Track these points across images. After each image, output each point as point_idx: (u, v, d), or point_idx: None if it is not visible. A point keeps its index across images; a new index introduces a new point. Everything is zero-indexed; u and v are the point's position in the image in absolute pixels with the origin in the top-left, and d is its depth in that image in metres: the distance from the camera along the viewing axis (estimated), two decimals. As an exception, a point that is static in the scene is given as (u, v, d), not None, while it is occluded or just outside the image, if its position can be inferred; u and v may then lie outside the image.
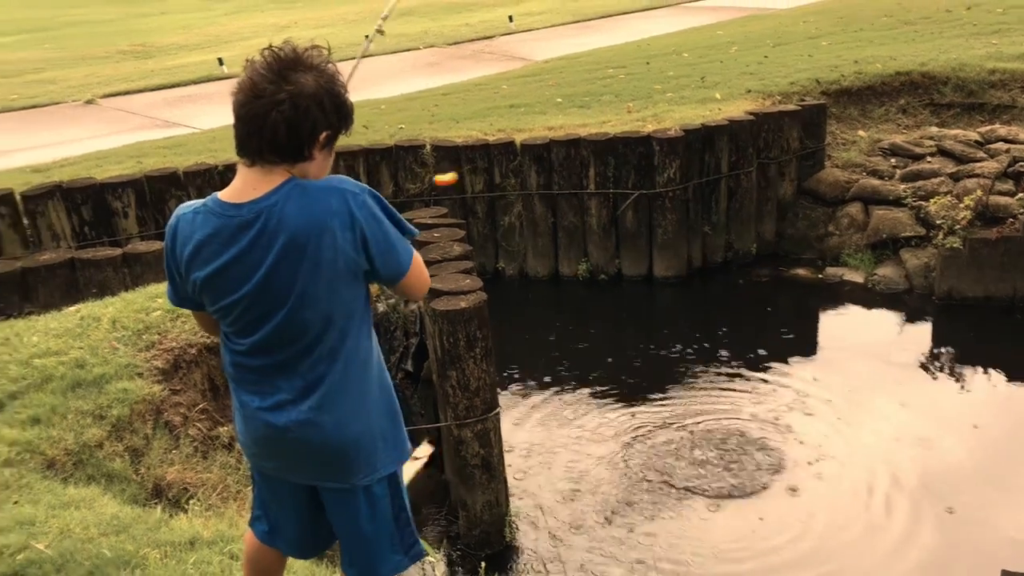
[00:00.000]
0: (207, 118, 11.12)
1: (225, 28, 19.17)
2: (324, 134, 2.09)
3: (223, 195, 2.13)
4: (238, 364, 2.23)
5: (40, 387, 4.32)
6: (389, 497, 2.36)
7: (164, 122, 11.36)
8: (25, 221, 7.35)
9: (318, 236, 2.05)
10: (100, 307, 5.20)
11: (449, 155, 8.29)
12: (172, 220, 2.19)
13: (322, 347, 2.16)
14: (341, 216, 2.07)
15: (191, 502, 4.02)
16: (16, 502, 3.49)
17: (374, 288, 6.06)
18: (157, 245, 6.19)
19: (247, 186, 2.08)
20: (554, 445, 5.93)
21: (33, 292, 5.79)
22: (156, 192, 7.71)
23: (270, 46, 2.07)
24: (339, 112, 2.11)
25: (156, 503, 3.90)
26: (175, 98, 12.82)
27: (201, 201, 2.17)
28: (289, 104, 2.01)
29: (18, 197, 7.37)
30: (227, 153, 8.52)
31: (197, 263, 2.13)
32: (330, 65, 2.09)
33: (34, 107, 12.77)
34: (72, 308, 5.14)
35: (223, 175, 7.82)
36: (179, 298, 2.28)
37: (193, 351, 4.75)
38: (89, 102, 12.67)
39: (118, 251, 6.05)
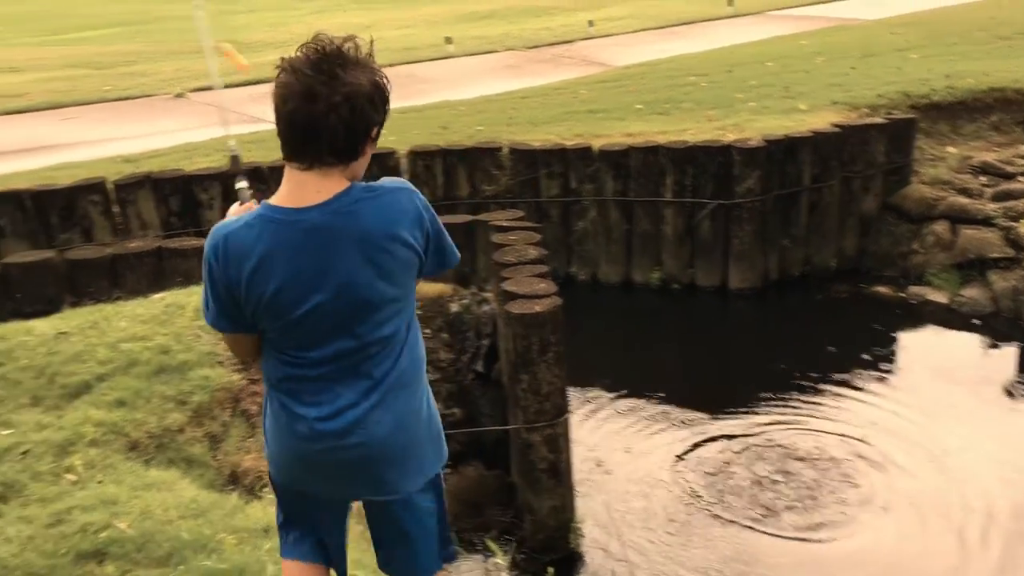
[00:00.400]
0: (290, 114, 11.33)
1: (310, 27, 19.48)
2: (375, 130, 2.06)
3: (279, 201, 2.04)
4: (295, 377, 2.12)
5: (126, 371, 4.46)
6: (436, 498, 2.37)
7: (250, 117, 11.61)
8: (115, 209, 7.60)
9: (394, 238, 2.06)
10: (185, 295, 5.35)
11: (526, 158, 8.31)
12: (214, 241, 2.04)
13: (390, 347, 2.14)
14: (412, 215, 2.10)
15: (265, 490, 4.10)
16: (100, 481, 3.61)
17: (448, 289, 6.11)
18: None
19: (307, 190, 2.01)
20: (621, 455, 5.89)
21: (121, 278, 5.99)
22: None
23: (312, 44, 1.97)
24: (385, 105, 2.07)
25: (232, 489, 3.99)
26: (260, 94, 13.09)
27: (247, 215, 2.06)
28: (347, 107, 1.95)
29: (110, 185, 7.62)
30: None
31: (261, 277, 2.01)
32: (371, 56, 2.04)
33: (126, 99, 13.20)
34: (158, 295, 5.30)
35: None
36: (227, 320, 2.10)
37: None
38: (179, 95, 13.04)
39: (203, 242, 6.20)
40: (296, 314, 2.03)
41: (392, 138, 8.93)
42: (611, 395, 6.63)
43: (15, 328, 4.85)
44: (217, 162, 8.45)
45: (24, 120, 12.28)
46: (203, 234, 7.78)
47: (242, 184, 2.42)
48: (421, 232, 2.11)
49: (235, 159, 2.33)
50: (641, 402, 6.50)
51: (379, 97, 2.02)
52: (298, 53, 1.97)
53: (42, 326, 4.87)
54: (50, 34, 21.05)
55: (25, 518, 3.35)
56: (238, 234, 2.02)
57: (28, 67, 16.03)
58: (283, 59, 1.98)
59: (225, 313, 2.09)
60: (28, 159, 9.56)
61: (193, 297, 5.29)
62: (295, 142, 1.99)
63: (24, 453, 3.73)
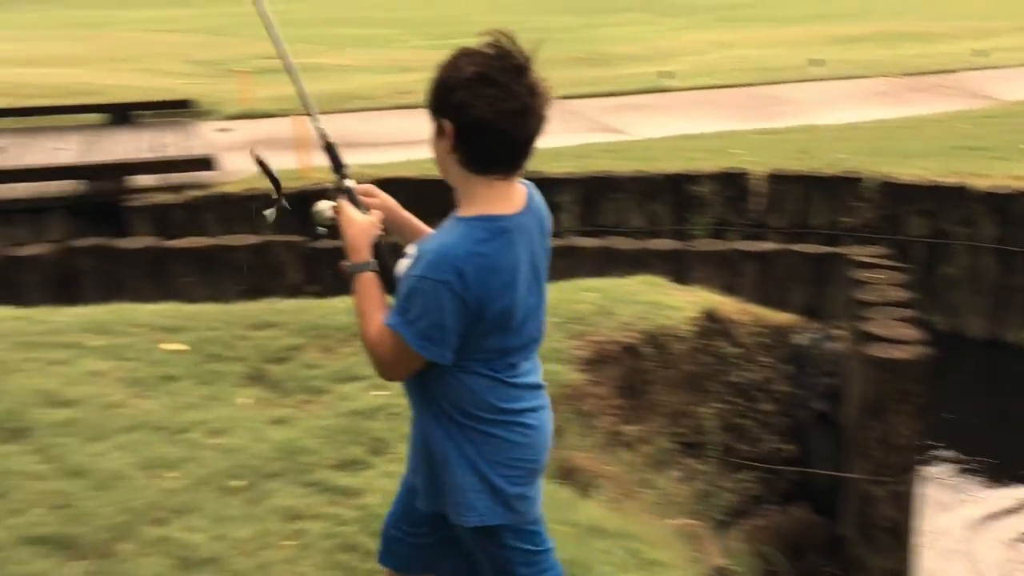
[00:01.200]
0: (644, 127, 11.56)
1: (673, 43, 19.78)
2: None
3: (498, 211, 1.97)
4: (519, 385, 2.06)
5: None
6: None
7: (604, 126, 12.01)
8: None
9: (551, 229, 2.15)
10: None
11: (892, 193, 7.78)
12: (455, 264, 1.90)
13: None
14: None
15: (594, 491, 4.20)
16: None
17: (794, 320, 5.88)
18: (592, 242, 6.57)
19: (508, 196, 2.00)
20: (971, 528, 5.31)
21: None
22: (595, 192, 8.18)
23: (496, 47, 1.90)
24: None
25: (565, 483, 4.12)
26: (617, 105, 13.49)
27: (471, 234, 1.94)
28: (545, 118, 1.96)
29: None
30: (661, 162, 8.79)
31: (509, 290, 1.96)
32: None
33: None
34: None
35: (661, 184, 8.09)
36: (451, 350, 1.97)
37: (617, 349, 4.96)
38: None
39: (561, 242, 6.50)
40: (517, 320, 2.00)
41: (748, 159, 8.79)
42: (966, 461, 6.00)
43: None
44: (573, 167, 8.83)
45: (409, 115, 13.67)
46: (553, 234, 8.22)
47: (351, 183, 2.16)
48: None
49: (331, 147, 2.06)
50: (1003, 475, 5.82)
51: None
52: (500, 64, 1.89)
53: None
54: (440, 39, 23.24)
55: (389, 474, 3.70)
56: (479, 250, 1.92)
57: (418, 67, 17.83)
58: (471, 68, 1.89)
59: (453, 342, 1.95)
60: (410, 150, 10.62)
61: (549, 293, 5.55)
62: (507, 158, 1.95)
63: (393, 415, 4.13)
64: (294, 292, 6.26)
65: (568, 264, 6.48)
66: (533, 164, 7.16)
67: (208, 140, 10.94)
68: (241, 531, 3.05)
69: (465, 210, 1.97)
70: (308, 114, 2.20)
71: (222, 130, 11.76)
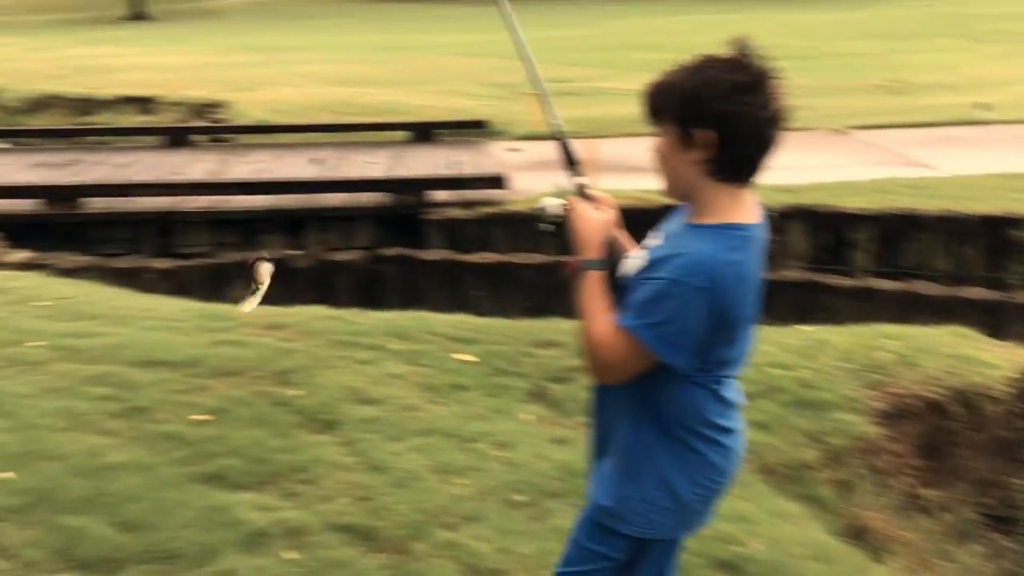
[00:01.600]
0: (953, 162, 10.63)
1: (991, 71, 18.11)
2: None
3: (741, 219, 1.98)
4: (727, 400, 2.08)
5: (767, 395, 4.58)
6: None
7: (906, 160, 11.20)
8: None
9: None
10: (830, 332, 5.33)
11: None
12: (710, 270, 1.89)
13: None
14: None
15: (887, 556, 3.87)
16: (738, 496, 3.74)
17: None
18: (893, 285, 6.09)
19: (746, 205, 2.01)
20: None
21: (772, 305, 6.20)
22: (895, 231, 7.63)
23: (746, 55, 1.94)
24: None
25: (856, 544, 3.84)
26: (923, 137, 12.53)
27: (724, 242, 1.93)
28: (786, 124, 1.97)
29: (773, 214, 7.97)
30: (974, 202, 8.01)
31: (751, 299, 2.00)
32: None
33: (789, 130, 13.69)
34: (807, 328, 5.34)
35: (973, 225, 7.40)
36: (695, 357, 1.97)
37: (919, 404, 4.56)
38: (838, 131, 13.11)
39: (856, 282, 6.12)
40: (740, 332, 2.02)
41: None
42: None
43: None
44: (869, 202, 8.27)
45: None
46: (845, 273, 7.75)
47: (584, 180, 2.12)
48: None
49: (565, 144, 2.11)
50: None
51: None
52: (737, 66, 1.92)
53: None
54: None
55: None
56: (733, 258, 1.93)
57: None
58: (730, 76, 1.90)
59: (696, 349, 1.94)
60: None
61: (839, 336, 5.23)
62: (757, 164, 1.97)
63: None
64: (574, 312, 6.37)
65: (864, 307, 6.10)
66: (826, 198, 6.87)
67: (499, 159, 11.45)
68: (524, 547, 3.11)
69: (706, 218, 1.97)
70: (558, 137, 2.16)
71: (512, 150, 12.25)
